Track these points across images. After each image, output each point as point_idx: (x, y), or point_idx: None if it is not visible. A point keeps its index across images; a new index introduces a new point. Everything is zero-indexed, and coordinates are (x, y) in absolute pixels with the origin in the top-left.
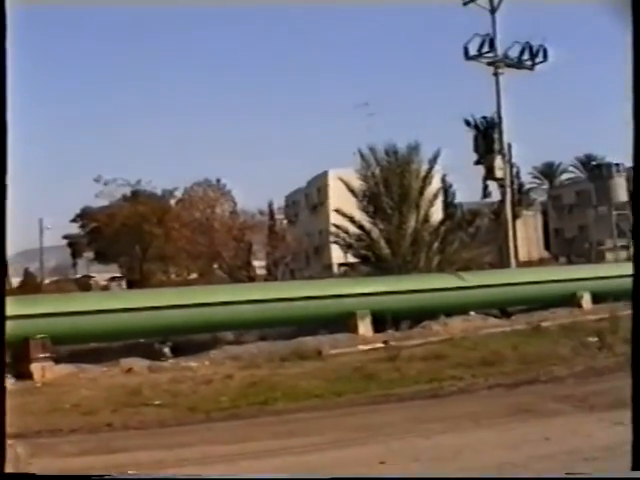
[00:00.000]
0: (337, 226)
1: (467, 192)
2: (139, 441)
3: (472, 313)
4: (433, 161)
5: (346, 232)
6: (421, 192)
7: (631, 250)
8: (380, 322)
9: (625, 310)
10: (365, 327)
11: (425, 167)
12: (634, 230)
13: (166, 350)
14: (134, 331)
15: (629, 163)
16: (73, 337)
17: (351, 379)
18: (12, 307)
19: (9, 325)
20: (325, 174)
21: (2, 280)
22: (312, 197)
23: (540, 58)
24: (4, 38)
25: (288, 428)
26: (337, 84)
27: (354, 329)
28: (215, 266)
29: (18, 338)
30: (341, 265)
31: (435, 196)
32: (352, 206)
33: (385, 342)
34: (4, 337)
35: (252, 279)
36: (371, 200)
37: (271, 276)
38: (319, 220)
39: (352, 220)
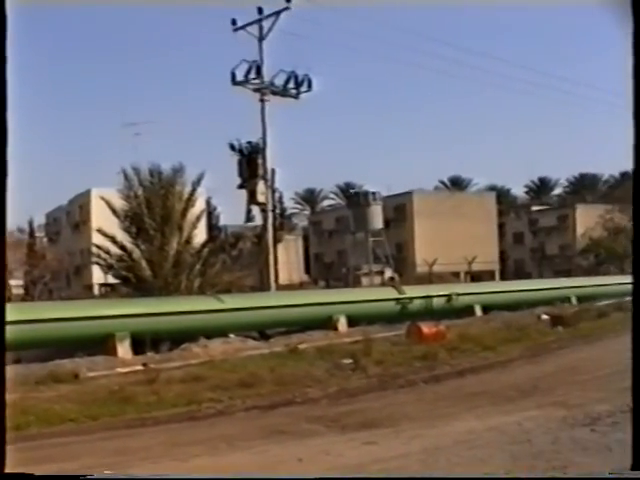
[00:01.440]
0: (98, 246)
1: (232, 215)
2: None
3: (232, 335)
4: (197, 183)
5: (107, 252)
6: (184, 214)
7: (386, 275)
8: (140, 344)
9: (378, 333)
10: (124, 349)
11: (189, 189)
12: (634, 230)
13: None
14: None
15: (385, 192)
16: None
17: (108, 402)
18: None
19: None
20: (88, 192)
21: (2, 284)
22: (74, 215)
23: (305, 87)
24: (4, 38)
25: (39, 454)
26: (106, 102)
27: (113, 351)
28: None
29: None
30: (102, 286)
31: (198, 218)
32: (115, 226)
33: (144, 364)
34: (4, 339)
35: (8, 299)
36: (133, 221)
37: (29, 296)
38: (81, 239)
39: (114, 240)
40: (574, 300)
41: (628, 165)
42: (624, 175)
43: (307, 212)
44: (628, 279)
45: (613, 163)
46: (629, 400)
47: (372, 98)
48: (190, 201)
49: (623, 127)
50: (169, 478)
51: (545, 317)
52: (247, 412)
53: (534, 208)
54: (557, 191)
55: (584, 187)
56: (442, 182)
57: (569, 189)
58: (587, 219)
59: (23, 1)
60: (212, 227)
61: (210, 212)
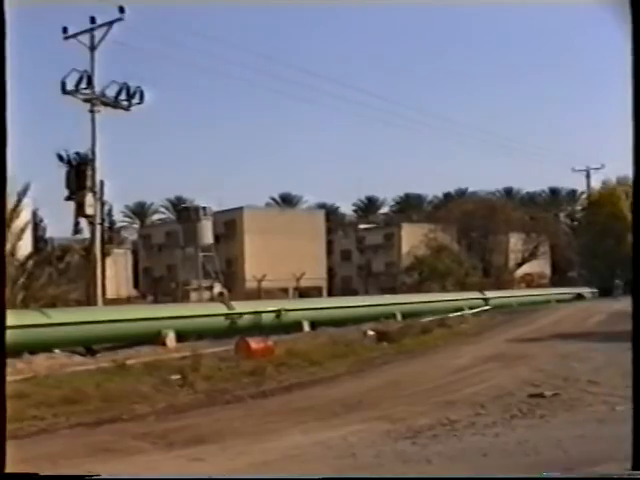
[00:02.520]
0: None
1: (60, 228)
2: None
3: (57, 351)
4: (22, 194)
5: None
6: (8, 225)
7: (215, 290)
8: None
9: (207, 348)
10: None
11: (14, 199)
12: (634, 231)
13: None
14: None
15: (216, 207)
16: None
17: None
18: None
19: None
20: None
21: (2, 286)
22: None
23: (137, 99)
24: (4, 38)
25: None
26: None
27: None
28: None
29: None
30: None
31: (23, 230)
32: None
33: None
34: (4, 340)
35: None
36: None
37: None
38: None
39: None
40: (399, 316)
41: (451, 186)
42: (447, 196)
43: (137, 226)
44: (449, 296)
45: (437, 184)
46: (449, 413)
47: (204, 112)
48: (15, 212)
49: (445, 149)
50: (169, 478)
51: (371, 333)
52: (72, 429)
53: (362, 226)
54: (384, 210)
55: (410, 206)
56: (273, 199)
57: (395, 208)
58: (412, 238)
59: (23, 1)
60: (38, 239)
61: (36, 224)
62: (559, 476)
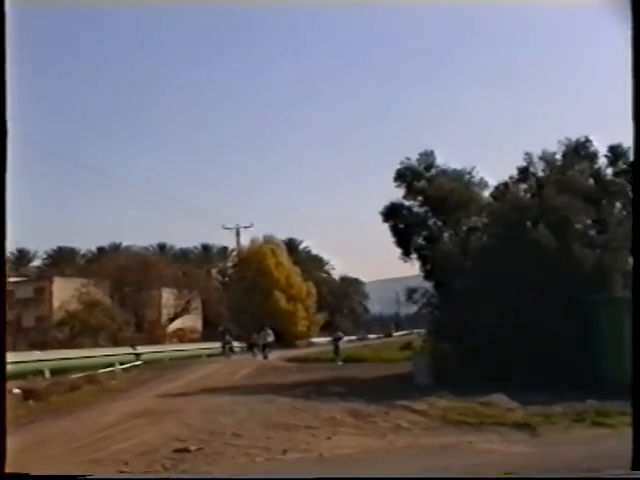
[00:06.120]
0: None
1: None
2: None
3: None
4: None
5: None
6: None
7: None
8: None
9: None
10: None
11: None
12: (634, 230)
13: None
14: None
15: None
16: None
17: None
18: None
19: None
20: None
21: (2, 289)
22: None
23: None
24: (4, 38)
25: None
26: None
27: None
28: None
29: None
30: None
31: None
32: None
33: None
34: (4, 340)
35: None
36: None
37: None
38: None
39: None
40: (47, 373)
41: (104, 240)
42: (101, 250)
43: None
44: (101, 352)
45: (90, 238)
46: (93, 472)
47: None
48: None
49: (99, 204)
50: (170, 478)
51: (17, 391)
52: None
53: (11, 279)
54: (36, 263)
55: (62, 260)
56: None
57: (48, 261)
58: (64, 292)
59: (23, 1)
60: None
61: None
62: (559, 476)
